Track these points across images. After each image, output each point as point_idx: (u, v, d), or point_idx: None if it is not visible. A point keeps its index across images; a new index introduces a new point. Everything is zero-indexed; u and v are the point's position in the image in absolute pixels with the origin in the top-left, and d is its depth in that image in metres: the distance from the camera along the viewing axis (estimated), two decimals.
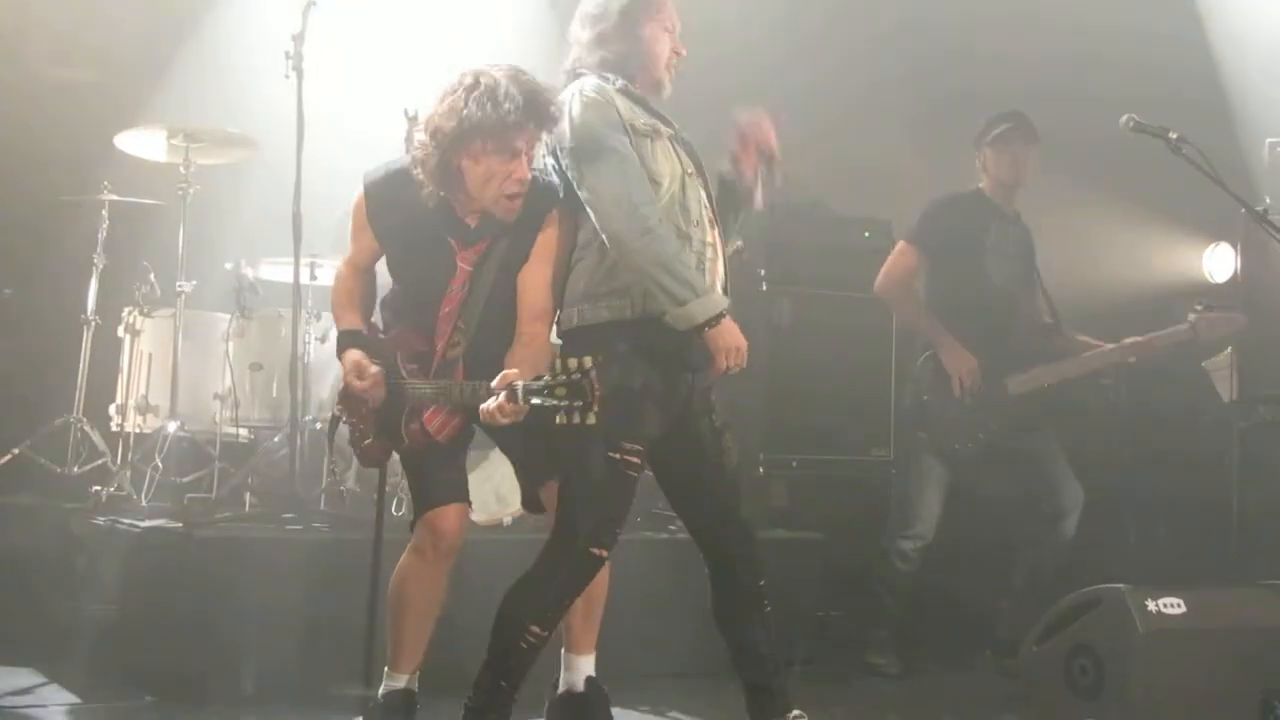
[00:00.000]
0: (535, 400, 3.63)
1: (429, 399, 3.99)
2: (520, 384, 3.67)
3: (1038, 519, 5.79)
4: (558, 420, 3.62)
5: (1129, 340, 5.81)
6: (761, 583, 4.16)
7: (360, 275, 4.25)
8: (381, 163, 4.20)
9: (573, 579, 3.91)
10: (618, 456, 3.78)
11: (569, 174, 3.98)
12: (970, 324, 5.73)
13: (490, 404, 3.69)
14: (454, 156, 3.90)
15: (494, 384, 3.72)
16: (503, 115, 3.83)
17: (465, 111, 3.85)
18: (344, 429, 4.22)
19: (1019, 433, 5.76)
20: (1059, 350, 5.86)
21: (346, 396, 4.14)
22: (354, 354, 4.03)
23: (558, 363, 3.66)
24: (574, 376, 3.61)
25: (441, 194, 3.98)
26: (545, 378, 3.65)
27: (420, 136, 3.95)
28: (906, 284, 5.83)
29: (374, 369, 3.99)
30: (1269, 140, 6.69)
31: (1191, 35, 7.17)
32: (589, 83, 4.05)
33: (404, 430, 4.01)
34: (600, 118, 3.96)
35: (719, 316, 3.87)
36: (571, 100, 4.00)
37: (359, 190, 4.14)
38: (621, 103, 4.02)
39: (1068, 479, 5.79)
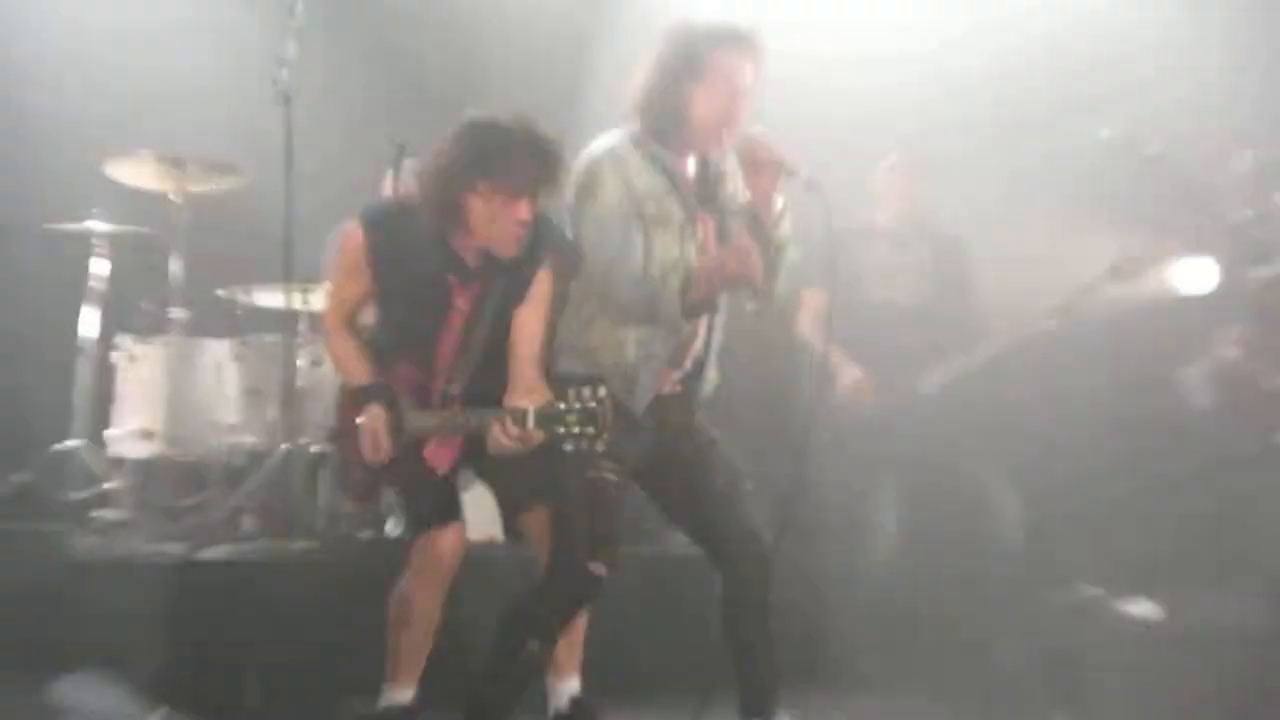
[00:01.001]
0: (547, 427, 3.74)
1: (435, 432, 4.08)
2: (532, 409, 3.79)
3: (977, 530, 5.85)
4: (567, 448, 3.74)
5: (1046, 306, 5.81)
6: (769, 596, 4.27)
7: (351, 325, 4.27)
8: (376, 201, 4.31)
9: (572, 598, 4.07)
10: (596, 474, 3.90)
11: (568, 220, 4.10)
12: (860, 338, 5.85)
13: (498, 430, 3.81)
14: (458, 192, 3.98)
15: (503, 407, 3.84)
16: (506, 154, 3.93)
17: (472, 149, 3.96)
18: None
19: (947, 439, 5.87)
20: (972, 343, 5.96)
21: (340, 435, 4.27)
22: (376, 416, 4.06)
23: (571, 391, 3.76)
24: (588, 404, 3.72)
25: (442, 230, 4.06)
26: (560, 404, 3.75)
27: (425, 173, 4.06)
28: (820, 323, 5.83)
29: (387, 442, 4.05)
30: (1249, 152, 6.86)
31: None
32: (610, 141, 4.12)
33: (403, 468, 4.11)
34: (606, 190, 4.05)
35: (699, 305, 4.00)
36: (586, 158, 4.11)
37: (354, 228, 4.15)
38: (638, 170, 4.08)
39: (1000, 487, 5.85)
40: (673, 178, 4.14)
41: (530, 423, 3.80)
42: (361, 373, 4.20)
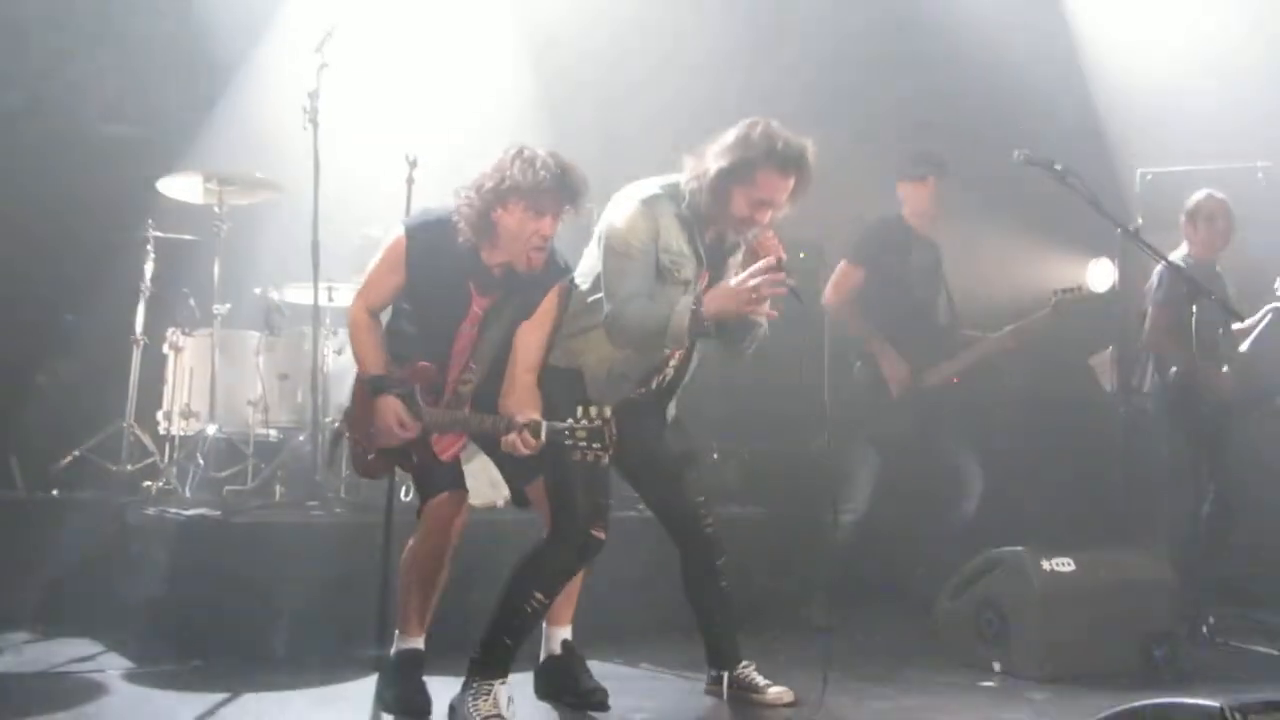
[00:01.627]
0: (559, 439, 3.70)
1: (449, 428, 4.02)
2: (545, 424, 3.75)
3: (946, 499, 5.82)
4: (575, 458, 3.72)
5: (1008, 328, 5.82)
6: (720, 560, 4.30)
7: (375, 320, 4.19)
8: (418, 212, 4.29)
9: (575, 557, 3.98)
10: (589, 457, 3.76)
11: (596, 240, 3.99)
12: (897, 331, 5.77)
13: (513, 437, 3.75)
14: (491, 209, 3.98)
15: (520, 420, 3.78)
16: (538, 179, 3.94)
17: (508, 172, 3.97)
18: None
19: (933, 424, 5.80)
20: (956, 346, 5.90)
21: (352, 418, 4.16)
22: (394, 404, 3.96)
23: (580, 409, 3.73)
24: (595, 423, 3.69)
25: (474, 241, 4.03)
26: (570, 420, 3.72)
27: (467, 192, 4.02)
28: (852, 299, 5.84)
29: (413, 424, 3.96)
30: (1140, 170, 6.77)
31: (1076, 79, 7.25)
32: (653, 190, 3.98)
33: (414, 453, 4.04)
34: (639, 230, 3.90)
35: (695, 321, 3.83)
36: (627, 196, 3.99)
37: (397, 234, 4.14)
38: (668, 227, 3.94)
39: (971, 466, 5.83)
40: (695, 244, 4.03)
41: (544, 436, 3.76)
42: (377, 364, 4.10)
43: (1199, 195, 6.07)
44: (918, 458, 5.81)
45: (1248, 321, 5.94)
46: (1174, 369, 5.71)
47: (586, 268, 4.06)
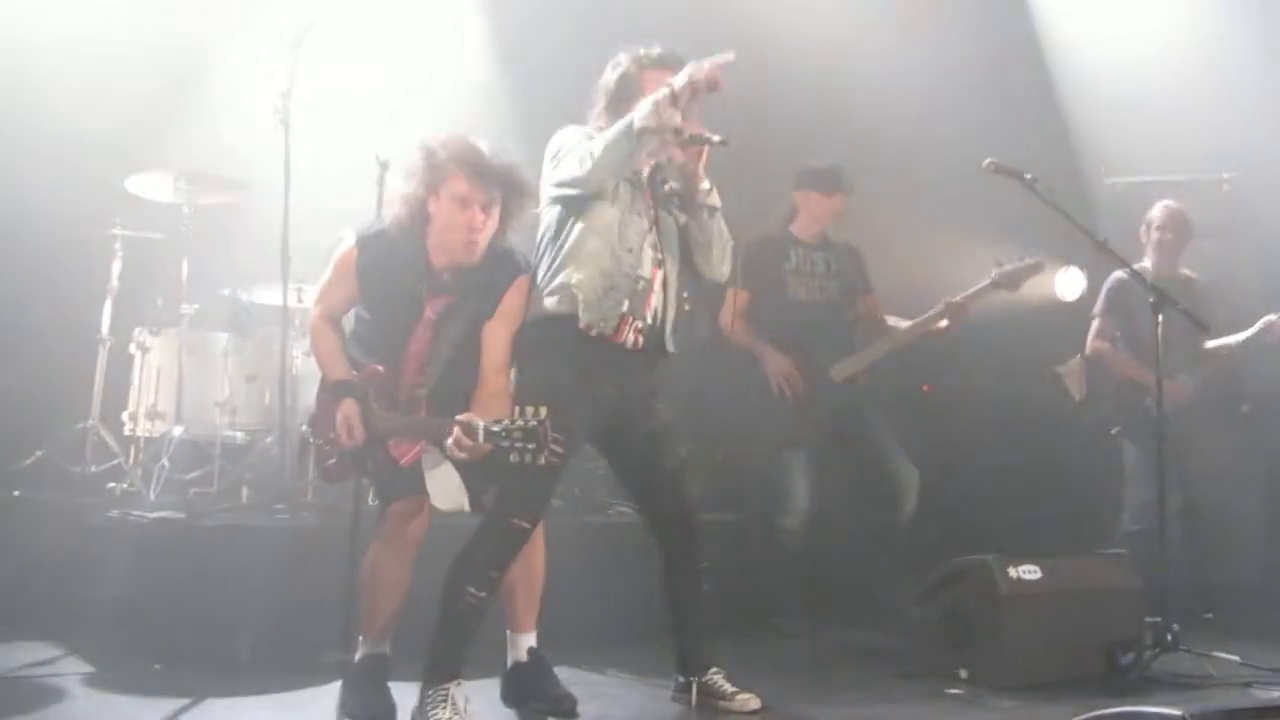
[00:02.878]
0: (495, 441, 3.67)
1: (398, 434, 3.96)
2: (481, 424, 3.72)
3: (880, 503, 5.74)
4: (511, 459, 3.69)
5: (939, 305, 5.66)
6: (703, 566, 4.30)
7: (335, 325, 4.17)
8: (369, 221, 4.23)
9: (500, 547, 3.96)
10: (525, 458, 3.72)
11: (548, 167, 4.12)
12: (790, 335, 5.73)
13: (452, 440, 3.73)
14: (425, 199, 3.95)
15: (456, 420, 3.75)
16: (467, 165, 3.91)
17: (439, 158, 3.94)
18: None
19: (849, 416, 5.74)
20: (875, 338, 5.85)
21: (316, 422, 4.12)
22: (351, 409, 3.94)
23: (515, 409, 3.73)
24: (530, 423, 3.67)
25: (419, 242, 3.99)
26: (505, 421, 3.69)
27: (404, 184, 4.00)
28: (740, 319, 5.73)
29: (360, 431, 3.93)
30: (1109, 180, 6.80)
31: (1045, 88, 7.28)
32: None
33: (369, 459, 3.99)
34: (570, 133, 4.15)
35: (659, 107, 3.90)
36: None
37: (348, 244, 4.11)
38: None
39: (901, 463, 5.72)
40: None
41: (480, 437, 3.72)
42: (338, 369, 4.08)
43: (1155, 206, 6.16)
44: (849, 452, 5.77)
45: (1240, 335, 5.96)
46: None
47: (540, 231, 4.17)
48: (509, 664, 4.28)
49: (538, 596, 4.27)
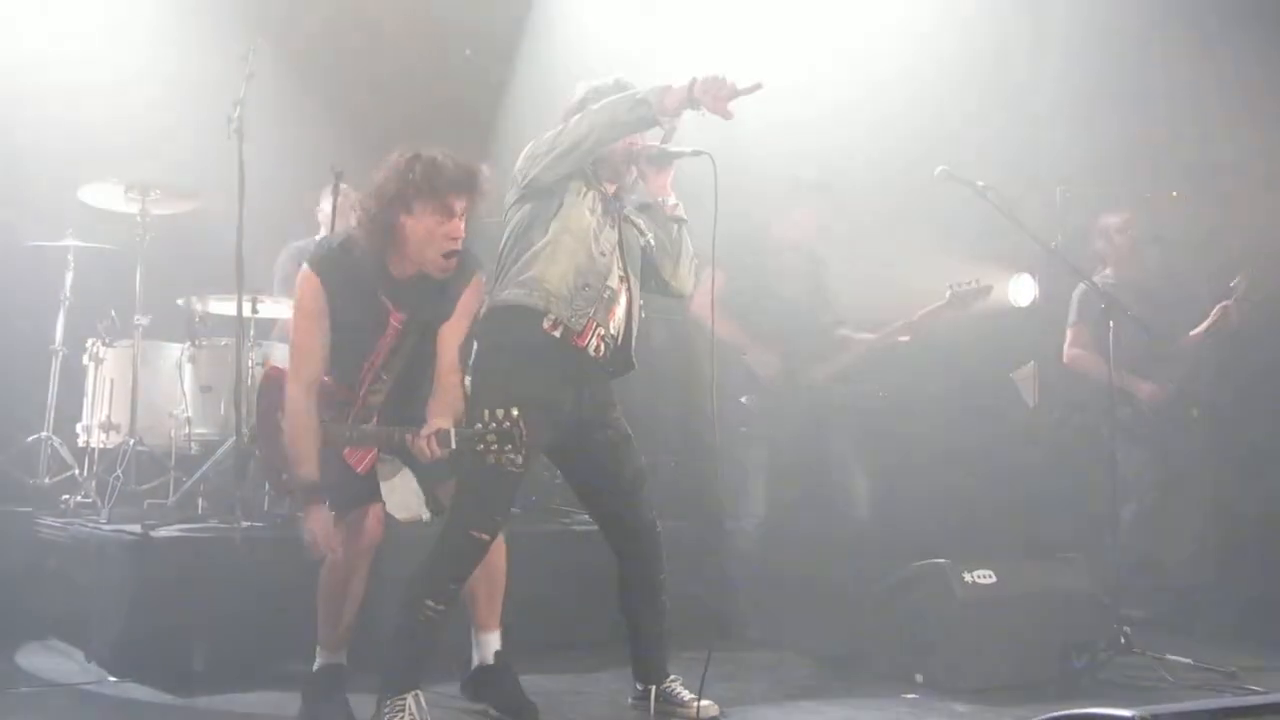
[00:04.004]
0: (469, 446, 3.67)
1: (357, 442, 3.91)
2: (453, 430, 3.71)
3: (835, 506, 5.82)
4: (489, 461, 3.68)
5: (899, 323, 5.80)
6: (662, 576, 4.28)
7: (313, 394, 3.93)
8: (316, 244, 4.18)
9: (459, 560, 3.94)
10: (503, 460, 3.75)
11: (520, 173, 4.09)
12: (768, 330, 5.77)
13: (424, 446, 3.73)
14: (395, 215, 3.87)
15: (426, 431, 3.74)
16: (443, 177, 3.85)
17: (409, 175, 3.85)
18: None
19: (821, 425, 5.81)
20: (837, 347, 5.91)
21: (263, 437, 4.08)
22: (323, 517, 3.88)
23: (486, 412, 3.69)
24: (504, 425, 3.65)
25: (380, 255, 3.92)
26: (478, 425, 3.68)
27: (365, 203, 3.92)
28: (714, 302, 5.78)
29: (336, 542, 3.89)
30: (1060, 187, 6.86)
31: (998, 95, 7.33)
32: None
33: (326, 468, 3.91)
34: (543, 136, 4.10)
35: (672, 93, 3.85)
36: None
37: (306, 275, 3.96)
38: None
39: (856, 470, 5.82)
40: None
41: (453, 443, 3.72)
42: (310, 468, 3.89)
43: (1110, 215, 6.26)
44: (809, 456, 5.81)
45: (1201, 326, 6.07)
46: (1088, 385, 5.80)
47: (508, 229, 4.14)
48: (474, 664, 4.27)
49: (500, 596, 4.25)
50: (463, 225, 3.94)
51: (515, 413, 3.67)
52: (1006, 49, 7.20)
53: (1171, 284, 6.45)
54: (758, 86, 3.80)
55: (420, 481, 4.08)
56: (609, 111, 3.95)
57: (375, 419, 3.98)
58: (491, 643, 4.25)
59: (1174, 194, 6.80)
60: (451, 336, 4.00)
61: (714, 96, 3.80)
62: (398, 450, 3.95)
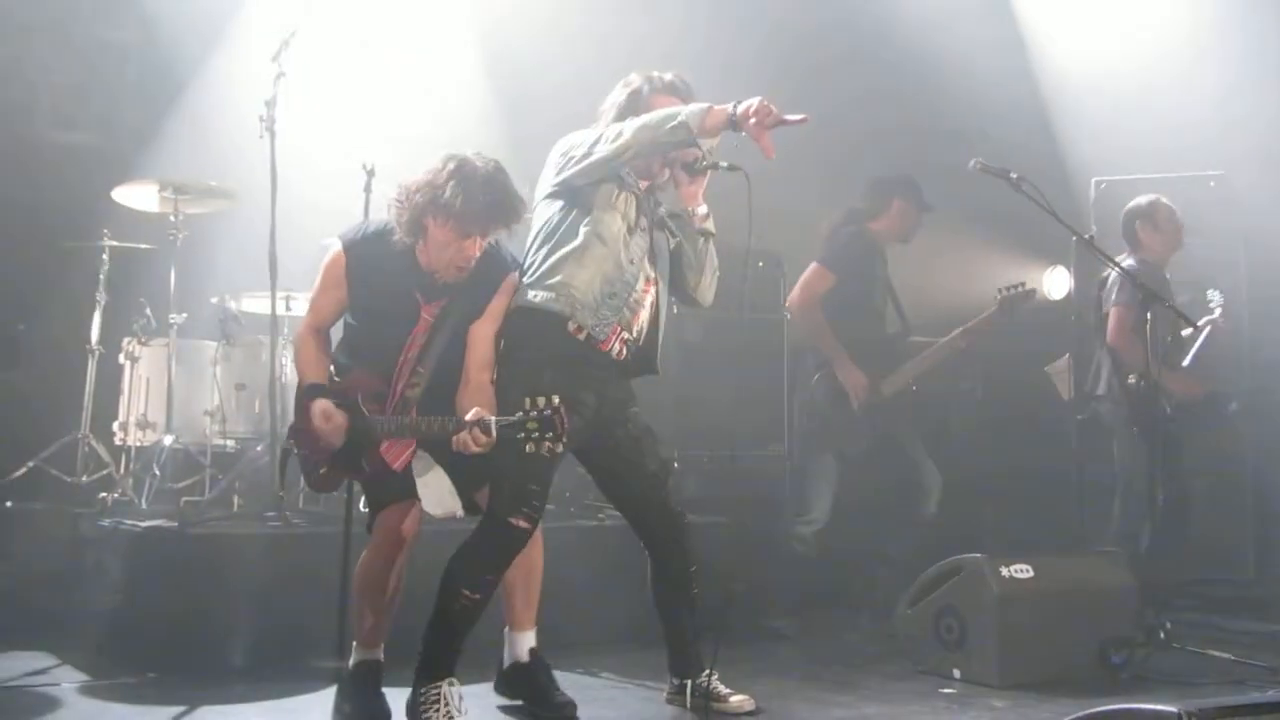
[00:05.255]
0: (510, 435, 3.68)
1: (396, 434, 3.94)
2: (493, 419, 3.73)
3: (908, 502, 5.84)
4: (528, 450, 3.70)
5: (958, 330, 5.86)
6: (693, 568, 4.28)
7: (320, 338, 4.14)
8: (354, 225, 4.20)
9: (498, 549, 3.94)
10: (543, 449, 3.75)
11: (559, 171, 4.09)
12: (853, 340, 5.77)
13: (464, 435, 3.75)
14: (423, 215, 3.94)
15: (469, 418, 3.76)
16: (468, 206, 3.87)
17: (440, 192, 3.89)
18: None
19: (892, 430, 5.81)
20: (909, 353, 5.93)
21: (298, 432, 4.10)
22: (322, 402, 3.94)
23: (528, 400, 3.71)
24: (545, 413, 3.68)
25: (411, 247, 3.98)
26: (519, 414, 3.70)
27: (401, 192, 3.97)
28: (818, 303, 5.82)
29: (340, 416, 3.92)
30: (1095, 179, 6.82)
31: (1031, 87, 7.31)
32: None
33: (365, 462, 3.96)
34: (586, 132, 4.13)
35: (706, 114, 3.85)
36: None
37: (335, 249, 4.08)
38: None
39: (929, 467, 5.87)
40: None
41: (494, 432, 3.74)
42: (315, 375, 4.07)
43: (1145, 200, 6.06)
44: (878, 468, 5.82)
45: (1186, 334, 5.92)
46: (1131, 376, 5.73)
47: (539, 225, 4.14)
48: (506, 662, 4.28)
49: (536, 594, 4.26)
50: (480, 245, 3.97)
51: (556, 400, 3.69)
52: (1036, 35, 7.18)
53: (1199, 277, 6.34)
54: (804, 119, 3.81)
55: (459, 486, 4.08)
56: (650, 132, 3.95)
57: (413, 413, 3.99)
58: (526, 640, 4.26)
59: (1212, 183, 6.72)
60: (482, 335, 4.03)
61: (758, 124, 3.80)
62: (435, 445, 3.96)
